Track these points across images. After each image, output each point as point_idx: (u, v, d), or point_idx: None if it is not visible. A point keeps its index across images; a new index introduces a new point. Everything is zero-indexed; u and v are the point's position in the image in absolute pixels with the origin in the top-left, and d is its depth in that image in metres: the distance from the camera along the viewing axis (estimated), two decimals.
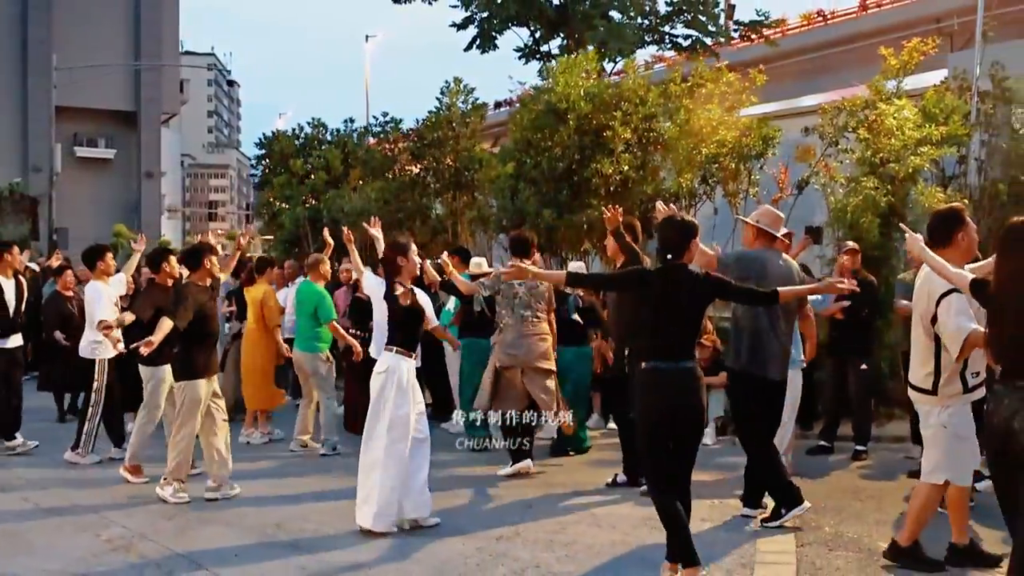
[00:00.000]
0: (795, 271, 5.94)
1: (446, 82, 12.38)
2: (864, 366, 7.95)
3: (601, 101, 10.08)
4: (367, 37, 40.39)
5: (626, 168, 9.81)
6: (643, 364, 4.67)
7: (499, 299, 7.18)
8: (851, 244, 8.13)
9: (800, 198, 9.98)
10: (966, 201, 9.65)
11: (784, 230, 6.21)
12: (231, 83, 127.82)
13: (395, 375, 5.68)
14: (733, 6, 34.35)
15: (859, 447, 8.03)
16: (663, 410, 4.56)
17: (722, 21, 22.65)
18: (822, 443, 8.20)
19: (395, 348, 5.77)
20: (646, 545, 5.28)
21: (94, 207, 37.07)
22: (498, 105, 39.13)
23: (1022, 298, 3.89)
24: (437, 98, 12.36)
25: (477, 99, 12.64)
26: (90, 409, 7.66)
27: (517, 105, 12.32)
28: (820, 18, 32.11)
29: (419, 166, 12.88)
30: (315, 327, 8.13)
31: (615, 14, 17.91)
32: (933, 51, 10.19)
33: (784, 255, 5.99)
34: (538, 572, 4.88)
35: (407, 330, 5.85)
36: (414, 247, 6.08)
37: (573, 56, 11.30)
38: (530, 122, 10.56)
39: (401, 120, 13.97)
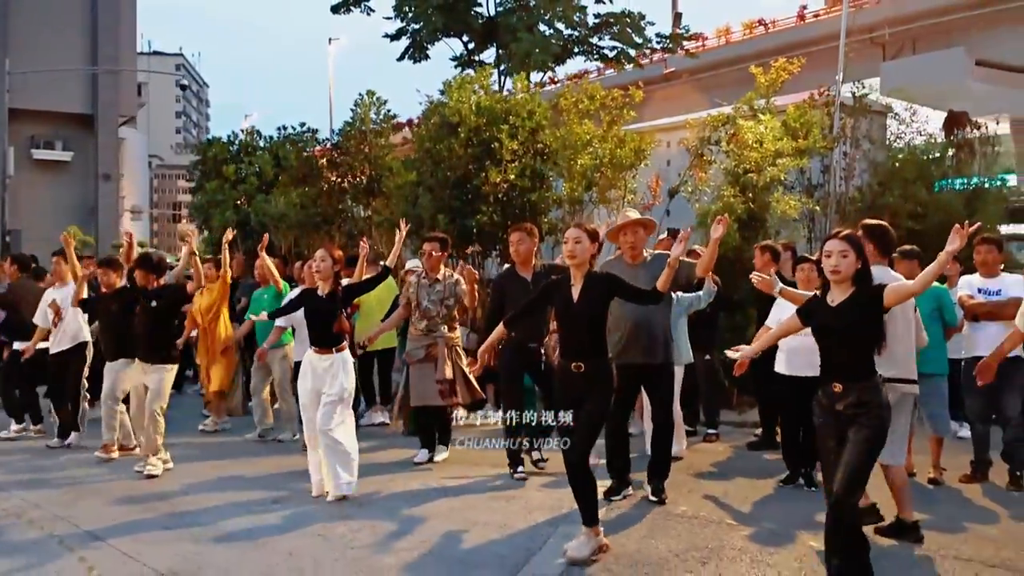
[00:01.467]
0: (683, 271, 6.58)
1: (360, 95, 13.21)
2: (708, 357, 8.80)
3: (491, 115, 10.90)
4: (330, 40, 41.17)
5: (513, 177, 10.65)
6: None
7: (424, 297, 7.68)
8: (696, 247, 8.99)
9: (672, 204, 10.89)
10: (818, 209, 10.64)
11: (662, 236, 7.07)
12: (200, 84, 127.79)
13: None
14: (680, 14, 35.39)
15: (710, 431, 8.90)
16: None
17: (669, 28, 23.67)
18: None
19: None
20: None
21: (51, 209, 37.40)
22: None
23: None
24: (352, 110, 13.21)
25: (389, 111, 13.49)
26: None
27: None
28: (761, 27, 33.22)
29: (336, 174, 13.67)
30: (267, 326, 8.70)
31: (543, 27, 18.70)
32: (797, 71, 11.10)
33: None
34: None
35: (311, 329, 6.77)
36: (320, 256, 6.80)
37: (466, 73, 12.13)
38: (428, 134, 11.40)
39: (317, 130, 14.79)
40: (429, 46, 19.17)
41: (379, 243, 12.31)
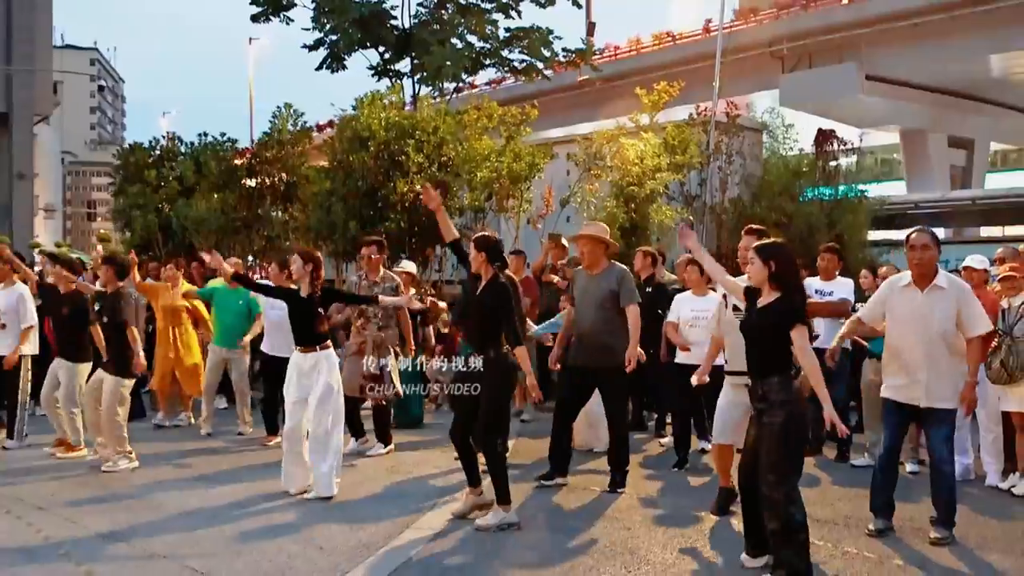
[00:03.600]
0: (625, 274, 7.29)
1: (278, 107, 14.07)
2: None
3: (399, 130, 11.85)
4: (250, 40, 41.26)
5: (419, 187, 11.60)
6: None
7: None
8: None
9: (563, 214, 12.01)
10: (691, 217, 11.85)
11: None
12: (115, 79, 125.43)
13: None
14: (593, 24, 36.64)
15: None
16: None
17: (583, 38, 24.77)
18: None
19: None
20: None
21: None
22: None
23: None
24: (271, 121, 14.03)
25: (305, 123, 14.37)
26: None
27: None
28: (670, 39, 34.75)
29: (255, 180, 14.44)
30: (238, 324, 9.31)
31: (456, 41, 19.56)
32: (676, 94, 12.30)
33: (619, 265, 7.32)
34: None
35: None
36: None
37: (376, 90, 13.06)
38: (341, 146, 12.31)
39: (237, 140, 15.53)
40: (346, 57, 19.90)
41: (293, 247, 13.10)
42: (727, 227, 12.20)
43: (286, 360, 7.49)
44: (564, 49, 20.48)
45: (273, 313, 8.50)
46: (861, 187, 13.36)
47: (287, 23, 20.63)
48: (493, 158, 11.59)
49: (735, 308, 5.79)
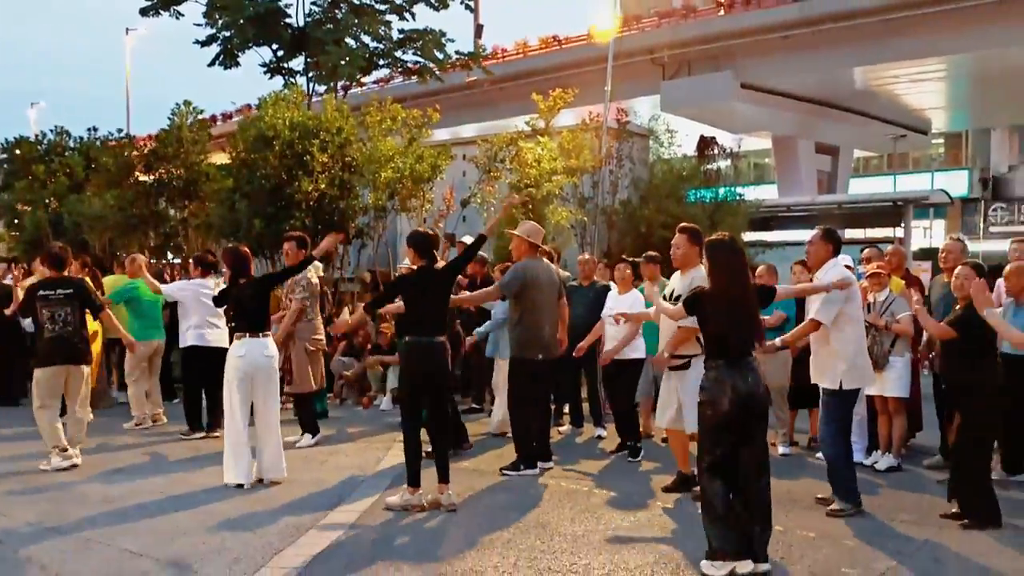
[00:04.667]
0: (554, 271, 7.91)
1: (177, 104, 14.03)
2: None
3: (304, 130, 12.09)
4: (127, 30, 40.09)
5: (323, 186, 11.89)
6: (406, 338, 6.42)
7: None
8: (482, 255, 10.58)
9: (464, 214, 12.49)
10: (585, 219, 12.50)
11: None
12: None
13: None
14: (481, 26, 37.15)
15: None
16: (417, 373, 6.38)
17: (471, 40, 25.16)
18: None
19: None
20: None
21: None
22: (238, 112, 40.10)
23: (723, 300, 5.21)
24: (169, 118, 13.96)
25: (206, 121, 14.35)
26: None
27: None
28: (556, 43, 35.55)
29: (152, 176, 14.37)
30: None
31: (350, 40, 19.74)
32: (571, 99, 12.91)
33: (545, 260, 7.90)
34: None
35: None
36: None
37: (283, 91, 13.23)
38: (245, 145, 12.45)
39: (134, 136, 15.36)
40: (240, 54, 19.80)
41: (195, 244, 13.18)
42: (617, 228, 12.90)
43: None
44: (457, 52, 20.94)
45: (203, 302, 8.72)
46: (739, 190, 14.27)
47: (177, 17, 20.39)
48: (398, 159, 11.95)
49: (665, 299, 6.45)
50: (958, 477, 6.04)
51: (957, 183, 39.10)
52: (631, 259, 8.47)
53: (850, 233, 26.81)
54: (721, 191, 14.19)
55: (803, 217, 20.93)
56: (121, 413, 10.14)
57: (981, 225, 33.85)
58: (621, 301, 8.18)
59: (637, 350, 8.16)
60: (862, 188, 38.14)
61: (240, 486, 6.90)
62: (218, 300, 7.47)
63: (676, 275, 6.76)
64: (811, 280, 6.68)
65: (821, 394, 6.42)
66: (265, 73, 20.91)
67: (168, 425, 9.75)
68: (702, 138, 15.16)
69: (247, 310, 7.12)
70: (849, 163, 38.26)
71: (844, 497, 6.23)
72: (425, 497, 6.36)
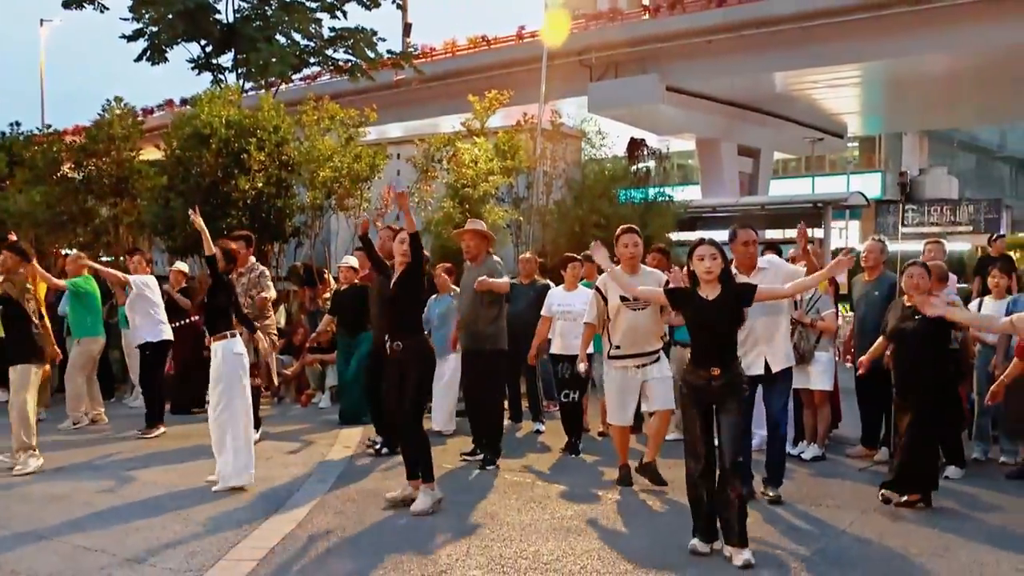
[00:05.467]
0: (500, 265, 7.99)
1: (108, 101, 13.81)
2: None
3: (240, 128, 12.06)
4: (42, 21, 38.86)
5: (261, 185, 11.89)
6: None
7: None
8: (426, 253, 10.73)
9: (394, 212, 12.57)
10: (520, 218, 12.75)
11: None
12: None
13: None
14: (410, 25, 37.14)
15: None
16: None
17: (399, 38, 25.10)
18: None
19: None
20: None
21: None
22: (184, 102, 39.35)
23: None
24: (99, 114, 13.73)
25: (138, 116, 14.16)
26: None
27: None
28: (484, 43, 35.76)
29: (82, 173, 14.11)
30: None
31: (280, 37, 19.60)
32: (506, 101, 13.13)
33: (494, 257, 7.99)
34: None
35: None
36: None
37: (216, 88, 13.15)
38: (180, 143, 12.36)
39: (63, 132, 15.05)
40: (168, 49, 19.51)
41: (127, 242, 13.02)
42: (551, 228, 13.15)
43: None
44: (389, 51, 20.95)
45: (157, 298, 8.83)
46: (668, 191, 14.67)
47: (102, 11, 19.97)
48: (336, 159, 12.00)
49: (623, 299, 6.63)
50: (920, 466, 6.25)
51: (871, 185, 40.54)
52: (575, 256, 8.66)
53: (770, 234, 27.66)
54: (651, 192, 14.56)
55: (728, 218, 21.52)
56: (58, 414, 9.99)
57: (900, 226, 35.16)
58: (572, 297, 8.42)
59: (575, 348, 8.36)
60: (782, 189, 39.24)
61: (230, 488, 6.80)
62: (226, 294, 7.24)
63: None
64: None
65: (777, 380, 6.53)
66: (193, 69, 20.64)
67: (107, 424, 9.68)
68: (632, 140, 15.55)
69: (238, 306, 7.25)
70: (769, 165, 39.32)
71: (780, 482, 6.58)
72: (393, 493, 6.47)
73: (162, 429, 9.06)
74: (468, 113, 14.22)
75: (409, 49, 22.49)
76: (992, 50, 26.90)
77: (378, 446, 8.17)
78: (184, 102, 37.66)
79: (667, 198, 14.46)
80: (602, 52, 31.01)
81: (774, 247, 9.92)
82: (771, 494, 6.50)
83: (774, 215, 20.73)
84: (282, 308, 11.85)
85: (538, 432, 9.38)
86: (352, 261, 9.75)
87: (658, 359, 6.88)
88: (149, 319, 9.20)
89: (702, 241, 5.43)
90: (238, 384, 6.90)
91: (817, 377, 8.08)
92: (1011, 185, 66.76)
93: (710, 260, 5.29)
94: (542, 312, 8.51)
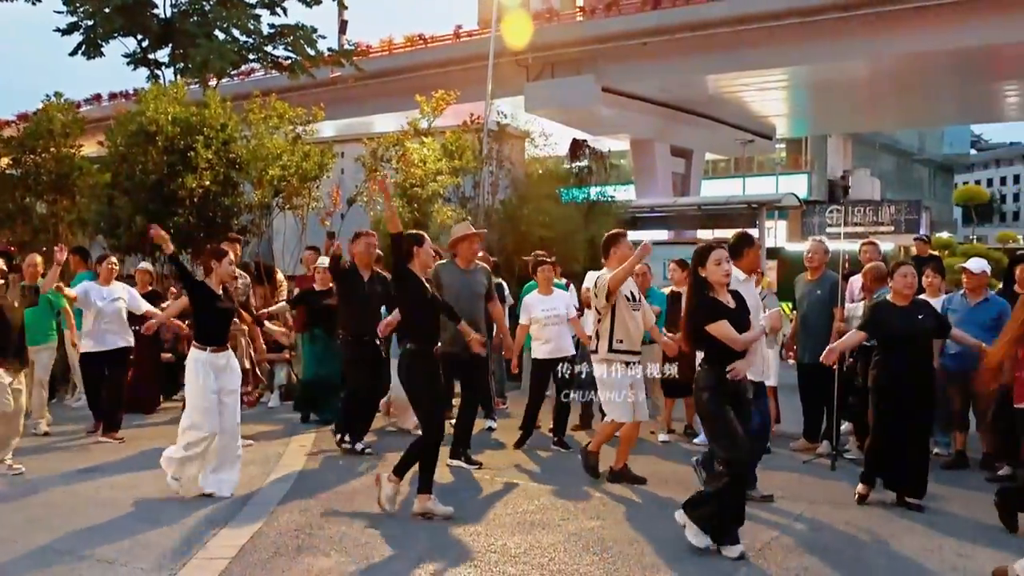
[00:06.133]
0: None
1: (47, 96, 13.53)
2: None
3: (187, 125, 11.95)
4: None
5: (208, 183, 11.80)
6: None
7: None
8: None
9: (351, 212, 12.64)
10: (470, 218, 12.87)
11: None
12: None
13: None
14: (346, 22, 36.93)
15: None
16: None
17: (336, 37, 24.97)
18: None
19: None
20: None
21: None
22: (112, 96, 38.50)
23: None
24: (37, 109, 13.44)
25: (79, 113, 13.89)
26: None
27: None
28: (421, 41, 35.72)
29: (20, 169, 13.78)
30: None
31: (219, 33, 19.42)
32: (454, 100, 13.22)
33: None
34: None
35: None
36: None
37: (162, 84, 13.01)
38: (124, 139, 12.18)
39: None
40: (104, 43, 19.18)
41: (68, 240, 12.79)
42: (498, 227, 13.31)
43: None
44: (330, 48, 20.93)
45: (111, 306, 8.69)
46: (610, 191, 14.95)
47: (34, 3, 19.54)
48: (286, 157, 11.97)
49: (627, 298, 6.86)
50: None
51: (798, 186, 41.60)
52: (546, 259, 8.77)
53: (702, 233, 28.26)
54: (593, 192, 14.81)
55: (663, 217, 21.98)
56: None
57: (844, 227, 36.22)
58: (554, 301, 8.57)
59: (569, 349, 8.54)
60: (713, 190, 40.03)
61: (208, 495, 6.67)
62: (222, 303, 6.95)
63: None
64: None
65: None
66: (129, 64, 20.34)
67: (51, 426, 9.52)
68: (574, 140, 15.79)
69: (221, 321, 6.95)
70: (701, 166, 40.11)
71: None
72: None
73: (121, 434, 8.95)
74: (405, 112, 14.27)
75: (346, 46, 22.32)
76: (912, 57, 27.94)
77: (356, 445, 8.17)
78: (114, 96, 37.03)
79: (610, 198, 14.73)
80: (538, 53, 31.20)
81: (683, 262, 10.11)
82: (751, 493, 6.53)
83: (711, 215, 21.20)
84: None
85: (490, 430, 9.52)
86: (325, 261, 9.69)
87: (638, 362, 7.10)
88: (124, 325, 9.02)
89: (713, 245, 5.46)
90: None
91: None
92: (929, 187, 69.16)
93: (727, 263, 5.34)
94: (521, 320, 8.62)
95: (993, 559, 5.20)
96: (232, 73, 20.26)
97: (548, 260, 8.73)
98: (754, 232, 21.06)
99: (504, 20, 15.99)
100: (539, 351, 8.56)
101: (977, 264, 7.81)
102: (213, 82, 18.34)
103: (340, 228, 12.62)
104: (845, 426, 8.51)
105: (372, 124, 30.71)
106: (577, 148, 15.72)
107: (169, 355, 10.73)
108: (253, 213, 12.34)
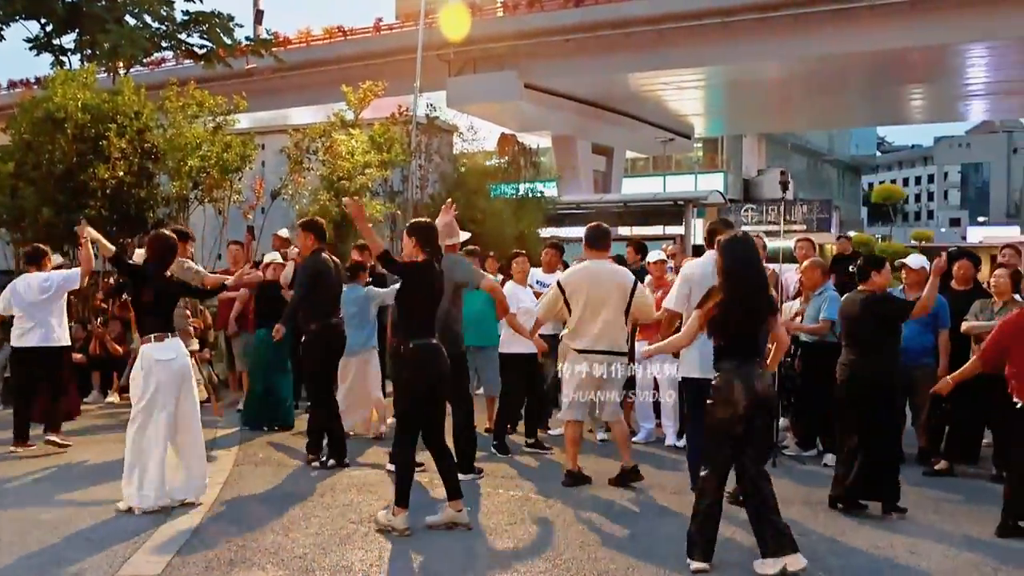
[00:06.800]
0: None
1: None
2: None
3: (99, 113, 11.31)
4: None
5: (121, 174, 11.19)
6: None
7: None
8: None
9: (275, 205, 12.18)
10: (399, 212, 12.55)
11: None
12: None
13: None
14: (261, 12, 36.04)
15: None
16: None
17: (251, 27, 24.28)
18: None
19: None
20: None
21: None
22: (12, 84, 36.85)
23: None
24: None
25: None
26: None
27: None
28: (340, 34, 35.12)
29: None
30: None
31: (130, 19, 18.62)
32: (382, 92, 12.85)
33: (456, 255, 7.11)
34: None
35: None
36: None
37: (72, 69, 12.32)
38: (29, 127, 11.46)
39: None
40: (4, 27, 18.20)
41: None
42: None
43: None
44: (248, 37, 20.26)
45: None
46: (540, 187, 14.80)
47: None
48: (206, 147, 11.45)
49: None
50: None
51: (715, 185, 42.30)
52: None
53: (623, 230, 28.43)
54: (522, 187, 14.64)
55: (592, 214, 21.95)
56: None
57: (782, 223, 36.98)
58: (529, 294, 8.37)
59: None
60: (633, 188, 40.40)
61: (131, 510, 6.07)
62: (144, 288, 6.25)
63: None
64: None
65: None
66: (32, 49, 19.38)
67: None
68: (503, 135, 15.57)
69: (169, 307, 6.37)
70: (622, 164, 40.44)
71: None
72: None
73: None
74: (322, 105, 13.80)
75: (258, 34, 21.68)
76: (826, 60, 28.62)
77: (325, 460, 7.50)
78: (14, 85, 35.45)
79: (539, 194, 14.58)
80: (461, 48, 30.99)
81: (641, 245, 10.00)
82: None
83: (639, 212, 21.29)
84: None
85: None
86: (277, 257, 9.30)
87: (623, 360, 6.65)
88: (63, 322, 8.35)
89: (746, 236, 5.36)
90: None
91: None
92: (838, 187, 71.23)
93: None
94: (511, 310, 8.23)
95: (946, 554, 5.24)
96: (144, 61, 19.41)
97: (523, 252, 8.59)
98: (680, 229, 21.49)
99: (443, 13, 15.60)
100: (516, 346, 8.08)
101: (916, 260, 7.84)
102: (124, 70, 17.54)
103: (263, 223, 12.20)
104: (783, 423, 8.47)
105: (289, 117, 30.06)
106: (506, 143, 15.51)
107: (80, 356, 10.13)
108: (170, 206, 11.76)
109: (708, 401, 5.11)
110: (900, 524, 5.94)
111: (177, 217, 11.83)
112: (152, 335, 6.11)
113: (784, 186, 10.23)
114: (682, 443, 8.27)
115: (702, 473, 5.06)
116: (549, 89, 32.09)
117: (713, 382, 5.08)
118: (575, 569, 5.02)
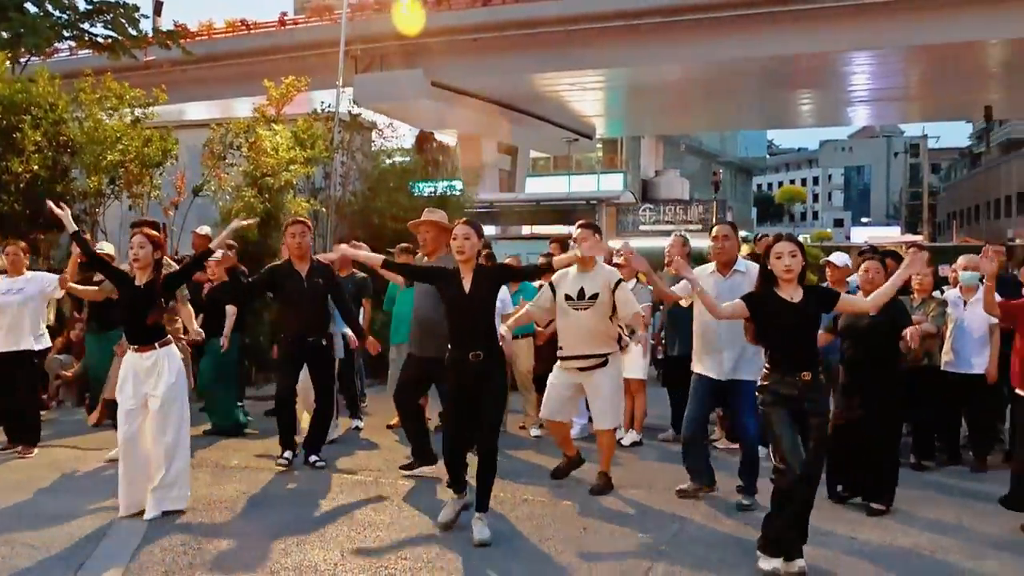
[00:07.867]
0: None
1: None
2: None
3: (11, 103, 10.89)
4: None
5: (36, 168, 10.80)
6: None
7: None
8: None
9: (196, 202, 11.94)
10: (323, 209, 12.46)
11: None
12: None
13: None
14: (161, 3, 34.96)
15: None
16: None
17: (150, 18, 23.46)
18: None
19: None
20: None
21: None
22: None
23: None
24: None
25: None
26: None
27: None
28: (244, 27, 34.38)
29: None
30: None
31: (31, 6, 17.88)
32: (305, 88, 12.69)
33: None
34: None
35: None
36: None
37: None
38: None
39: None
40: None
41: None
42: (349, 219, 12.97)
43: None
44: (155, 29, 19.67)
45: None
46: (458, 185, 14.85)
47: None
48: (126, 141, 11.12)
49: (567, 297, 6.45)
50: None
51: (615, 184, 43.09)
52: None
53: (526, 229, 28.74)
54: (441, 185, 14.65)
55: (504, 213, 22.19)
56: None
57: (702, 224, 37.67)
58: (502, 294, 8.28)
59: None
60: (537, 187, 40.83)
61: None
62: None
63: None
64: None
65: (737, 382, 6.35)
66: None
67: None
68: (421, 133, 15.58)
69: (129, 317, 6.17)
70: (526, 163, 40.82)
71: (753, 489, 6.49)
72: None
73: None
74: (225, 100, 13.45)
75: (157, 25, 21.11)
76: (722, 64, 29.56)
77: (309, 457, 7.49)
78: None
79: (459, 192, 14.64)
80: (367, 44, 30.74)
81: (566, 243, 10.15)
82: (744, 502, 6.36)
83: (551, 211, 21.59)
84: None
85: (357, 429, 9.22)
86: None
87: (605, 363, 6.50)
88: (39, 325, 8.07)
89: (780, 237, 5.06)
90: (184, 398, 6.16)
91: (634, 366, 8.50)
92: (731, 188, 73.41)
93: (789, 257, 4.88)
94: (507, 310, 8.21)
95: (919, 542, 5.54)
96: (47, 50, 18.67)
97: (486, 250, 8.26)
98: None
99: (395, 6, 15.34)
100: None
101: (840, 258, 8.25)
102: (25, 59, 16.84)
103: (184, 219, 11.97)
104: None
105: (184, 113, 29.27)
106: (424, 140, 15.54)
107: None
108: (87, 202, 11.40)
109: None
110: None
111: (94, 213, 11.48)
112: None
113: (716, 186, 10.56)
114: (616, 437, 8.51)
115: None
116: (457, 88, 32.17)
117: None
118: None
